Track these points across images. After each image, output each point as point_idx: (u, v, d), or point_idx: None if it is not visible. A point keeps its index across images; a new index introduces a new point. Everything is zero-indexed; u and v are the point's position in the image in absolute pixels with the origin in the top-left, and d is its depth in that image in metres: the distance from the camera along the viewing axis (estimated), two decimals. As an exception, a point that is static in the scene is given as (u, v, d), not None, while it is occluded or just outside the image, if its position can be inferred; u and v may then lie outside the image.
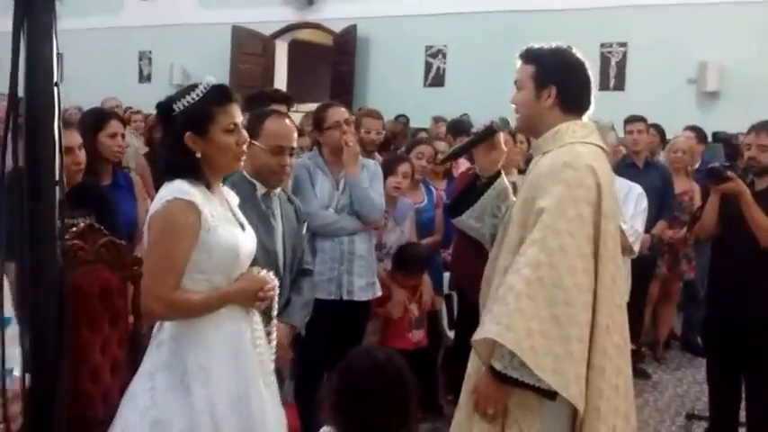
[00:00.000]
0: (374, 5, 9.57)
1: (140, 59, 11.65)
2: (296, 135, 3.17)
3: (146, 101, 7.75)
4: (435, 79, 9.60)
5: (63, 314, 1.00)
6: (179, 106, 2.45)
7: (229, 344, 2.46)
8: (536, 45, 2.59)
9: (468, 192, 2.76)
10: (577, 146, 2.48)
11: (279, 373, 2.76)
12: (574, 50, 2.58)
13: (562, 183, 2.40)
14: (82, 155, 3.36)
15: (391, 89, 9.42)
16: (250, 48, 10.22)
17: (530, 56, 2.58)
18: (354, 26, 9.82)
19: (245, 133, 2.52)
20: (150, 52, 11.52)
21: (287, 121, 3.16)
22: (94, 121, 3.97)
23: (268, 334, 2.62)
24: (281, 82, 10.42)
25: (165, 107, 2.49)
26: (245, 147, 2.52)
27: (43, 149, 0.90)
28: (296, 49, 10.85)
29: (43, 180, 0.90)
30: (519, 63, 2.57)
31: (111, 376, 2.85)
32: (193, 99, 2.44)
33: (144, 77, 11.67)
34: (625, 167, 4.88)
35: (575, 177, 2.40)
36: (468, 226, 2.67)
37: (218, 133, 2.46)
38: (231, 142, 2.48)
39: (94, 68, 10.98)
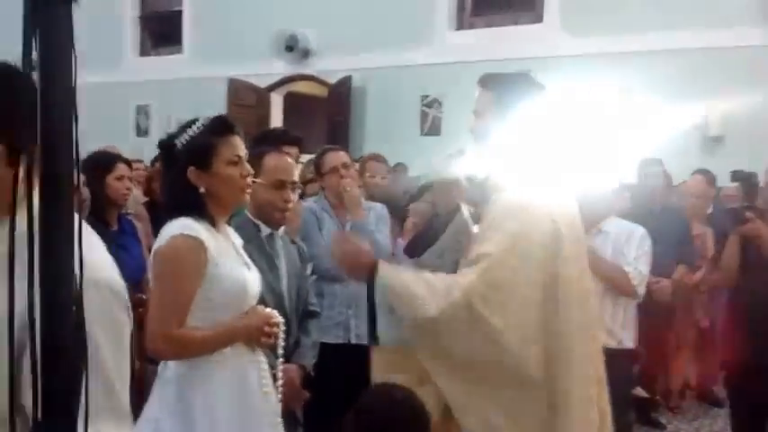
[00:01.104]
0: (369, 57, 9.66)
1: (138, 113, 11.73)
2: (296, 170, 3.17)
3: (144, 154, 7.81)
4: (432, 128, 9.66)
5: (80, 337, 0.92)
6: (181, 141, 2.42)
7: (235, 385, 2.41)
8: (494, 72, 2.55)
9: (427, 230, 2.76)
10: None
11: (293, 414, 2.72)
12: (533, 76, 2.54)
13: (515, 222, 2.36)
14: (86, 192, 3.37)
15: (388, 138, 9.47)
16: (245, 100, 10.30)
17: (489, 82, 2.52)
18: (349, 77, 9.91)
19: (249, 167, 2.48)
20: (148, 106, 11.59)
21: (286, 156, 3.14)
22: (102, 164, 3.97)
23: (273, 375, 2.57)
24: (276, 132, 10.48)
25: (166, 143, 2.46)
26: (249, 180, 2.49)
27: (59, 137, 0.86)
28: (291, 100, 10.94)
29: (60, 170, 0.85)
30: (478, 90, 2.52)
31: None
32: (194, 132, 2.40)
33: (142, 131, 11.73)
34: (640, 211, 4.76)
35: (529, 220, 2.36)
36: (429, 265, 2.62)
37: (221, 166, 2.41)
38: (235, 174, 2.44)
39: (92, 122, 10.93)
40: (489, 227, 2.42)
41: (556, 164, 2.48)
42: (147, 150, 7.03)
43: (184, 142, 2.42)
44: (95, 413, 1.29)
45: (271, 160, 3.07)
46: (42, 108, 0.84)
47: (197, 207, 2.42)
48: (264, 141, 3.69)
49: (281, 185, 2.99)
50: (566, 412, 2.29)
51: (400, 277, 2.37)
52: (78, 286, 0.88)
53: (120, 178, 4.01)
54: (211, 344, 2.39)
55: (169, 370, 2.42)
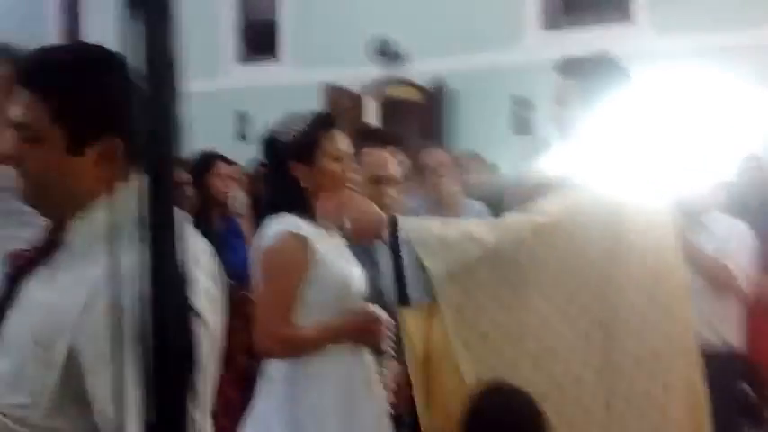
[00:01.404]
0: (462, 59, 9.72)
1: (237, 120, 12.08)
2: (394, 166, 3.15)
3: (243, 160, 8.08)
4: (522, 128, 9.65)
5: (186, 313, 0.86)
6: (284, 136, 2.42)
7: (342, 383, 2.38)
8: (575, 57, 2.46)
9: None
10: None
11: (400, 418, 2.70)
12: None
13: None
14: (189, 191, 3.51)
15: (481, 140, 9.50)
16: (341, 105, 10.49)
17: (569, 69, 2.46)
18: (443, 80, 9.99)
19: (353, 164, 2.51)
20: (246, 112, 11.93)
21: (384, 152, 3.15)
22: (203, 163, 4.11)
23: (380, 375, 2.52)
24: (371, 137, 10.63)
25: (270, 139, 2.47)
26: (352, 176, 2.49)
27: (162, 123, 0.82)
28: (386, 104, 11.09)
29: (160, 157, 0.82)
30: (557, 78, 2.46)
31: (225, 416, 2.79)
32: (298, 127, 2.41)
33: (241, 137, 12.09)
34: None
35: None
36: None
37: (324, 160, 2.41)
38: (338, 170, 2.44)
39: (192, 129, 11.32)
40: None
41: (646, 158, 2.41)
42: (246, 156, 7.27)
43: (288, 137, 2.42)
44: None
45: (367, 156, 3.07)
46: (142, 99, 0.81)
47: (301, 203, 2.41)
48: (363, 139, 3.68)
49: (378, 181, 2.98)
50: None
51: (427, 227, 2.30)
52: (184, 279, 0.84)
53: (220, 176, 4.13)
54: (320, 342, 2.36)
55: (275, 369, 2.41)
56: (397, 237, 2.23)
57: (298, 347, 2.36)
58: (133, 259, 0.81)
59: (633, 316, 2.25)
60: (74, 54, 1.44)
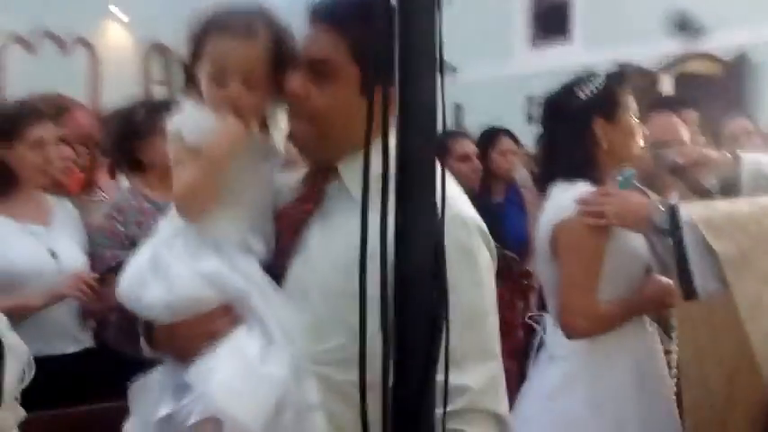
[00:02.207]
0: (765, 31, 9.07)
1: (527, 104, 12.20)
2: (682, 129, 3.05)
3: (531, 142, 8.19)
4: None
5: (440, 275, 0.80)
6: (585, 92, 2.30)
7: (634, 359, 2.29)
8: None
9: None
10: None
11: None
12: None
13: None
14: (477, 163, 3.70)
15: (787, 114, 8.82)
16: (636, 83, 10.19)
17: None
18: (746, 53, 9.39)
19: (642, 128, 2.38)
20: (538, 97, 12.00)
21: (671, 116, 3.08)
22: (487, 138, 4.32)
23: (667, 353, 2.43)
24: (667, 115, 10.25)
25: (563, 97, 2.36)
26: (641, 141, 2.37)
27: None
28: (683, 81, 10.61)
29: (418, 106, 0.80)
30: None
31: (520, 381, 2.71)
32: (600, 83, 2.31)
33: (530, 120, 12.19)
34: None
35: None
36: None
37: (627, 118, 2.33)
38: (637, 130, 2.35)
39: (483, 114, 11.74)
40: None
41: None
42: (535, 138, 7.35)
43: (590, 93, 2.31)
44: (461, 356, 1.31)
45: (655, 121, 3.00)
46: (402, 42, 0.80)
47: (596, 167, 2.32)
48: (650, 106, 3.60)
49: (663, 145, 2.86)
50: None
51: (712, 206, 2.10)
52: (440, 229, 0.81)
53: (503, 152, 4.30)
54: (624, 318, 2.27)
55: (560, 346, 2.32)
56: (678, 221, 2.01)
57: (607, 325, 2.26)
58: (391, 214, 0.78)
59: None
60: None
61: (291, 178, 1.63)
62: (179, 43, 1.59)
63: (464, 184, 3.62)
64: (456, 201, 1.52)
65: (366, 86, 0.87)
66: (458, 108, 12.96)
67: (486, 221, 3.63)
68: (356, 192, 1.40)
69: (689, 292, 2.01)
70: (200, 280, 1.44)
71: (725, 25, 9.60)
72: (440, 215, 0.79)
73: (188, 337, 1.44)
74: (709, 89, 10.08)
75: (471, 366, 1.39)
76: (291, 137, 1.56)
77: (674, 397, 2.36)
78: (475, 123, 10.32)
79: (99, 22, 12.51)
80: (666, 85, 10.54)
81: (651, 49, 10.32)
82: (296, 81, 1.45)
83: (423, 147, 0.79)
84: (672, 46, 10.23)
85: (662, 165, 2.60)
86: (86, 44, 12.15)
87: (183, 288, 1.44)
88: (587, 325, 2.21)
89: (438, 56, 0.80)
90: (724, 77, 9.79)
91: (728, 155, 2.50)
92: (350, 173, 1.46)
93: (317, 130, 1.46)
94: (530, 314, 2.61)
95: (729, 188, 2.34)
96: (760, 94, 9.43)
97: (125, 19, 12.61)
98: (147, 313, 1.49)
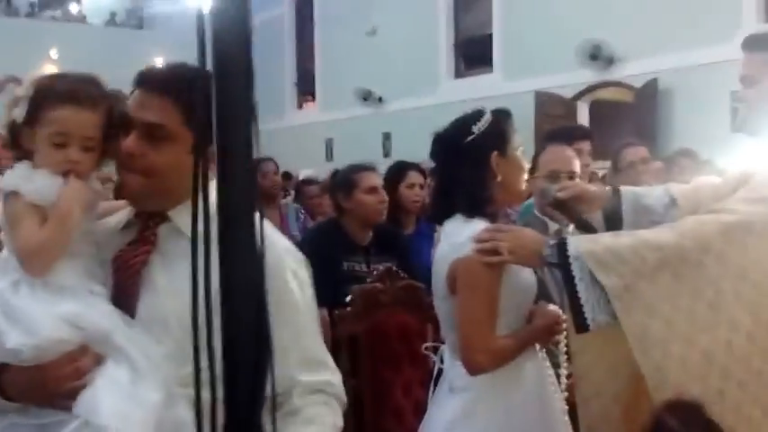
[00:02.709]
0: (674, 57, 9.59)
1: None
2: (576, 161, 3.12)
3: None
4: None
5: (263, 322, 0.89)
6: (478, 128, 2.33)
7: (530, 388, 2.35)
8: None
9: None
10: None
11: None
12: None
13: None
14: (383, 195, 3.85)
15: (697, 138, 9.32)
16: (552, 111, 10.69)
17: (759, 43, 2.22)
18: (655, 80, 9.91)
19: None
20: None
21: (565, 148, 3.15)
22: (396, 172, 4.45)
23: (558, 376, 2.48)
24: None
25: (458, 132, 2.36)
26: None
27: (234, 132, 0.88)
28: (597, 108, 11.17)
29: (236, 158, 0.88)
30: (744, 55, 2.23)
31: (415, 417, 2.78)
32: (488, 120, 2.36)
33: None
34: None
35: None
36: None
37: (515, 153, 2.40)
38: (524, 164, 2.44)
39: (411, 142, 12.02)
40: (740, 189, 2.10)
41: None
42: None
43: (482, 128, 2.33)
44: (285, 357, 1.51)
45: (548, 153, 3.10)
46: (218, 105, 0.88)
47: (493, 202, 2.37)
48: (553, 138, 3.73)
49: (555, 176, 2.95)
50: None
51: (597, 240, 2.10)
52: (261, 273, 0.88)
53: (411, 186, 4.36)
54: (518, 350, 2.30)
55: (459, 378, 2.33)
56: (567, 256, 2.03)
57: (507, 359, 2.28)
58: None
59: None
60: (194, 70, 1.45)
61: (108, 224, 1.81)
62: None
63: (371, 216, 3.84)
64: (278, 235, 1.81)
65: (196, 148, 0.95)
66: (386, 137, 13.30)
67: (395, 253, 3.77)
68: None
69: (579, 324, 2.04)
70: (62, 321, 1.55)
71: (635, 55, 10.17)
72: (259, 247, 0.88)
73: (56, 378, 1.53)
74: (621, 115, 10.67)
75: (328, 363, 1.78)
76: (123, 188, 1.77)
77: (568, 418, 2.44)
78: (402, 151, 10.63)
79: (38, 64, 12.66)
80: (582, 112, 11.07)
81: (566, 78, 10.88)
82: (133, 142, 1.67)
83: (240, 193, 0.88)
84: (586, 75, 10.78)
85: (545, 199, 2.67)
86: (18, 82, 12.18)
87: (46, 330, 1.53)
88: (488, 360, 2.24)
89: (252, 113, 0.90)
90: (635, 104, 10.35)
91: (608, 188, 2.60)
92: (180, 218, 1.69)
93: (152, 183, 1.69)
94: (425, 345, 2.68)
95: (613, 221, 2.41)
96: (669, 119, 9.97)
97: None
98: (12, 359, 1.55)
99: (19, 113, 1.63)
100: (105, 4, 18.85)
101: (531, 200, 3.37)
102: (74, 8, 19.24)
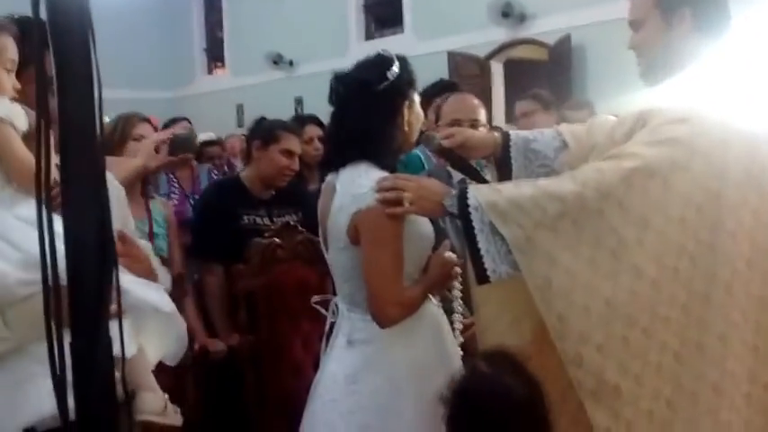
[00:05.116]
0: (586, 13, 9.48)
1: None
2: (481, 110, 3.13)
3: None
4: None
5: (104, 271, 0.99)
6: (392, 74, 2.27)
7: (430, 335, 2.35)
8: None
9: None
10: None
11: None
12: None
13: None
14: (296, 164, 3.71)
15: (612, 94, 9.25)
16: (467, 71, 10.49)
17: None
18: (568, 36, 9.78)
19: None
20: (376, 86, 12.16)
21: (469, 96, 3.15)
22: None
23: (451, 322, 2.48)
24: (498, 100, 10.58)
25: (372, 78, 2.27)
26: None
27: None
28: (511, 66, 10.99)
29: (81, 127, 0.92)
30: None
31: (314, 372, 2.70)
32: (398, 67, 2.30)
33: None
34: None
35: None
36: None
37: (416, 102, 2.36)
38: (422, 114, 2.41)
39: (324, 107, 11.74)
40: (638, 130, 2.05)
41: (756, 89, 2.07)
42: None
43: (396, 74, 2.27)
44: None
45: (450, 102, 3.12)
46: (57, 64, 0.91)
47: (399, 151, 2.36)
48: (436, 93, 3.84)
49: (457, 125, 2.92)
50: (688, 406, 1.93)
51: (499, 191, 2.04)
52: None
53: (309, 141, 4.38)
54: (422, 299, 2.30)
55: (359, 331, 2.32)
56: (467, 206, 2.00)
57: (414, 308, 2.28)
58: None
59: (741, 272, 1.96)
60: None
61: None
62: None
63: (275, 177, 3.71)
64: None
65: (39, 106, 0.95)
66: (297, 102, 12.96)
67: (299, 208, 3.67)
68: None
69: (480, 276, 2.01)
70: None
71: (547, 11, 10.01)
72: (102, 195, 0.92)
73: None
74: (536, 73, 10.51)
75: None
76: None
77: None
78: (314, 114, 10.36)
79: None
80: (496, 72, 10.88)
81: (479, 37, 10.64)
82: None
83: (81, 157, 0.92)
84: (499, 33, 10.56)
85: (430, 147, 2.60)
86: None
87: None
88: (398, 311, 2.22)
89: (94, 75, 0.92)
90: (549, 61, 10.19)
91: (496, 134, 2.53)
92: None
93: None
94: (313, 299, 2.60)
95: (503, 167, 2.38)
96: (583, 76, 9.86)
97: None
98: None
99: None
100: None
101: (417, 149, 3.40)
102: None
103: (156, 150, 3.03)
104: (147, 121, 3.69)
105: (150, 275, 2.11)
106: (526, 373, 1.86)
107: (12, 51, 1.87)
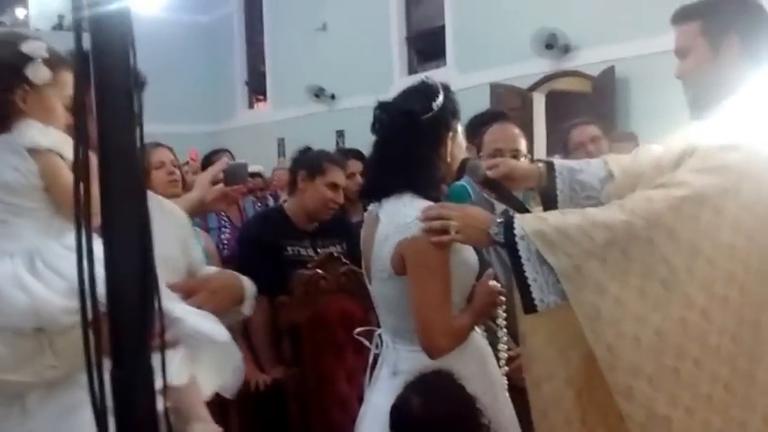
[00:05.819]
0: (631, 45, 9.40)
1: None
2: (522, 140, 3.11)
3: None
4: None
5: (147, 299, 0.98)
6: (437, 104, 2.23)
7: (476, 366, 2.32)
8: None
9: None
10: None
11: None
12: None
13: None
14: (341, 197, 3.68)
15: (656, 126, 9.14)
16: (508, 103, 10.45)
17: (687, 14, 2.17)
18: (612, 68, 9.69)
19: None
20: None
21: (509, 126, 3.13)
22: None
23: (496, 353, 2.47)
24: (540, 132, 10.52)
25: (418, 107, 2.23)
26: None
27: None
28: (553, 98, 10.94)
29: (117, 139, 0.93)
30: (675, 29, 2.19)
31: (359, 404, 2.70)
32: (443, 97, 2.26)
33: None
34: None
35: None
36: None
37: (459, 133, 2.35)
38: (464, 144, 2.41)
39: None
40: (687, 158, 2.01)
41: None
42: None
43: (441, 104, 2.24)
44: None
45: (491, 132, 3.10)
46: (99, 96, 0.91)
47: (442, 182, 2.34)
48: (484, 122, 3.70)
49: (499, 155, 2.92)
50: None
51: (545, 219, 2.03)
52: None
53: (351, 176, 4.24)
54: (471, 328, 2.29)
55: (404, 361, 2.30)
56: (514, 235, 1.99)
57: (463, 338, 2.26)
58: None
59: None
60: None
61: None
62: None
63: (319, 210, 3.67)
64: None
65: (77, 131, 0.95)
66: (339, 134, 13.01)
67: (343, 239, 3.66)
68: None
69: (528, 305, 1.99)
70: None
71: (591, 43, 9.95)
72: (143, 220, 0.91)
73: None
74: (579, 105, 10.44)
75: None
76: None
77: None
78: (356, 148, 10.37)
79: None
80: (538, 104, 10.83)
81: (522, 68, 10.61)
82: None
83: (125, 184, 0.94)
84: (542, 65, 10.52)
85: (475, 178, 2.57)
86: None
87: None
88: (448, 342, 2.20)
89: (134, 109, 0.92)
90: (593, 93, 10.11)
91: (540, 164, 2.51)
92: None
93: None
94: (357, 330, 2.58)
95: (548, 198, 2.37)
96: (628, 108, 9.75)
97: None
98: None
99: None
100: (53, 7, 18.34)
101: (462, 181, 3.33)
102: (20, 13, 18.80)
103: (213, 183, 3.00)
104: (160, 144, 3.69)
105: (237, 299, 2.27)
106: (457, 392, 1.95)
107: (71, 88, 1.90)
